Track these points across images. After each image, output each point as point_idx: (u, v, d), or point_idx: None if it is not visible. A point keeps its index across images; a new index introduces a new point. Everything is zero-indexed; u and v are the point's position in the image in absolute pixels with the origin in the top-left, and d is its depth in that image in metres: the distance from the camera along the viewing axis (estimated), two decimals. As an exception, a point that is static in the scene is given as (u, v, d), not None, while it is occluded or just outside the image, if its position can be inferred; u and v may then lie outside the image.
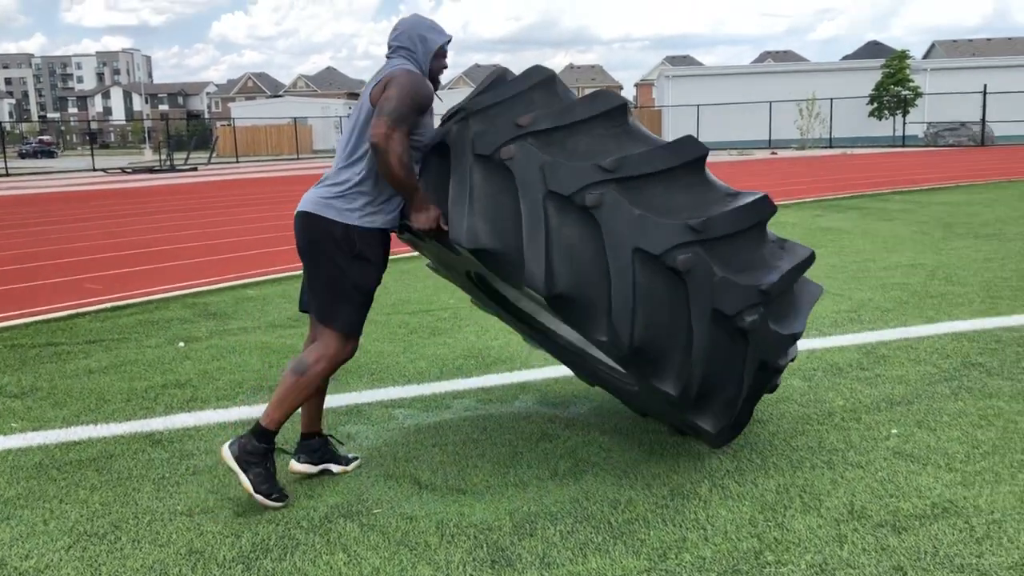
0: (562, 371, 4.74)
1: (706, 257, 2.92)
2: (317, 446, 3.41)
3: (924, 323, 5.58)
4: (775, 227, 10.90)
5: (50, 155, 64.88)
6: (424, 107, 3.07)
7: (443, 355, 5.14)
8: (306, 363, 3.13)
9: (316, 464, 3.40)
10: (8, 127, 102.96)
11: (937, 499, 3.02)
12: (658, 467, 3.39)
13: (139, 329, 6.08)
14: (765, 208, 3.08)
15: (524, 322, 3.98)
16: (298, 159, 41.77)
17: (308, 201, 3.14)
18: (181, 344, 5.61)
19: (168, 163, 32.27)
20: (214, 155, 39.82)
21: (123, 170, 30.95)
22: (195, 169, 31.03)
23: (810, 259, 3.20)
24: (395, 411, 4.18)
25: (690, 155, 3.07)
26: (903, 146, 35.38)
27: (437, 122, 3.34)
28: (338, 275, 3.11)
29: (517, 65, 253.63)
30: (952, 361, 4.70)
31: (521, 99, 3.15)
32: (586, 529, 2.89)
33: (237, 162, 39.15)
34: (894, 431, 3.71)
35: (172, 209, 15.87)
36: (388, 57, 3.23)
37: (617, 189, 2.94)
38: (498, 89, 3.18)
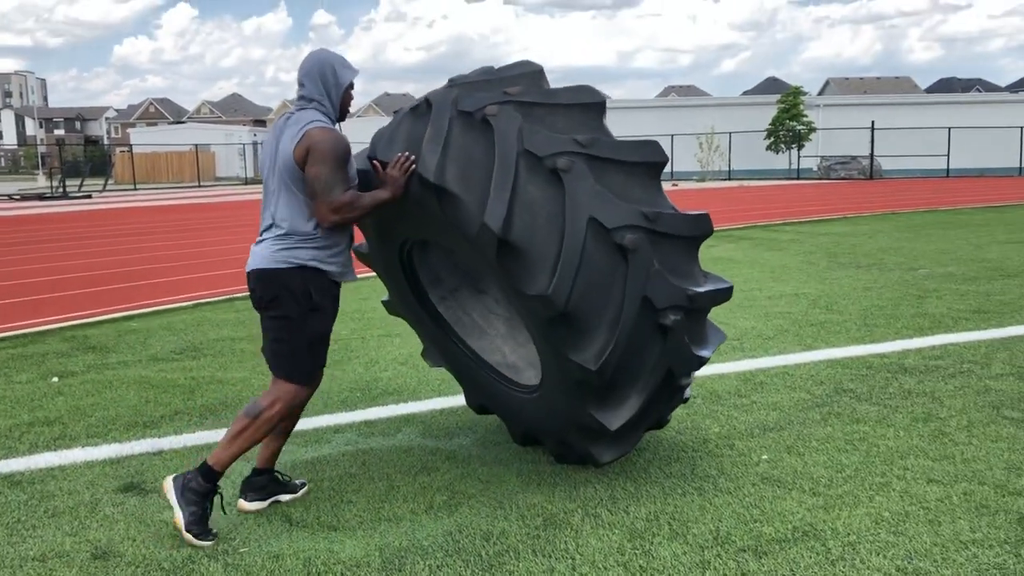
0: (449, 403, 4.73)
1: (650, 246, 3.10)
2: (265, 483, 3.41)
3: (802, 350, 5.78)
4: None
5: (-67, 180, 61.74)
6: (346, 160, 3.16)
7: (328, 388, 5.06)
8: (260, 407, 3.15)
9: (265, 499, 3.40)
10: None
11: (798, 523, 3.12)
12: (534, 497, 3.41)
13: (10, 363, 5.82)
14: (706, 225, 3.23)
15: (435, 320, 3.97)
16: (199, 187, 40.82)
17: (261, 257, 3.17)
18: (55, 379, 5.39)
19: (60, 190, 31.10)
20: (110, 182, 38.55)
21: (11, 197, 29.68)
22: (89, 196, 29.97)
23: (729, 291, 3.32)
24: (273, 446, 4.09)
25: (652, 158, 3.24)
26: (798, 178, 36.75)
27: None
28: (293, 328, 3.16)
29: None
30: (825, 388, 4.88)
31: (508, 82, 3.35)
32: (456, 563, 2.88)
33: (135, 189, 38.04)
34: (764, 457, 3.81)
35: (60, 238, 15.30)
36: (299, 98, 3.26)
37: (586, 162, 3.13)
38: (487, 72, 3.40)
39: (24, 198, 29.93)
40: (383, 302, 4.29)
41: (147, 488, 3.57)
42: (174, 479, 3.10)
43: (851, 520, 3.13)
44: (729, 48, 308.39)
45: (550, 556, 2.91)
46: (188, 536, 3.04)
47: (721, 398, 4.71)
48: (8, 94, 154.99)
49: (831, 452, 3.86)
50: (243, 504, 3.37)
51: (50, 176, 41.32)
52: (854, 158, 35.50)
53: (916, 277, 9.00)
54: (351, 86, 3.30)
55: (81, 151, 78.93)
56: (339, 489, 3.54)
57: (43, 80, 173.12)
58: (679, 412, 4.47)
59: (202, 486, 3.09)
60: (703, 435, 4.12)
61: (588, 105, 3.31)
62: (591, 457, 3.40)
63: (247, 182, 45.07)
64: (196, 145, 45.71)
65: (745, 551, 2.90)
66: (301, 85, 3.23)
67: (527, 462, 3.80)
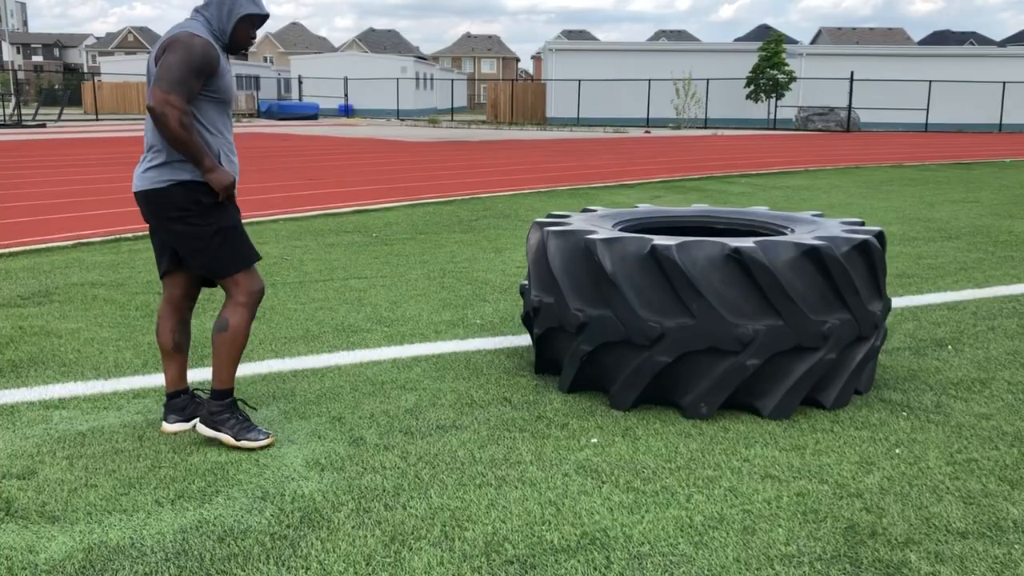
0: (282, 365, 4.27)
1: None
2: (184, 403, 3.46)
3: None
4: (620, 205, 10.66)
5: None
6: (205, 71, 3.06)
7: (151, 344, 4.58)
8: (226, 318, 3.22)
9: (187, 420, 3.45)
10: None
11: (591, 527, 2.68)
12: (308, 485, 2.96)
13: None
14: None
15: None
16: (166, 119, 39.71)
17: (140, 179, 3.18)
18: None
19: (15, 118, 30.13)
20: (68, 112, 37.34)
21: (-38, 124, 28.74)
22: (43, 126, 29.05)
23: None
24: (52, 412, 3.62)
25: None
26: (774, 129, 36.10)
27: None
28: (201, 232, 3.15)
29: (421, 32, 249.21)
30: (701, 358, 4.44)
31: None
32: (168, 569, 2.43)
33: (96, 120, 36.98)
34: (593, 440, 3.38)
35: (-15, 168, 14.60)
36: (194, 9, 3.21)
37: None
38: None
39: (-23, 125, 28.98)
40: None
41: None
42: (200, 420, 3.26)
43: (654, 525, 2.70)
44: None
45: (281, 564, 2.46)
46: (245, 443, 3.19)
47: (581, 368, 4.26)
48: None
49: (670, 437, 3.42)
50: (165, 426, 3.43)
51: (24, 104, 39.95)
52: (832, 110, 34.85)
53: (852, 236, 8.55)
54: (248, 22, 3.18)
55: (59, 79, 76.59)
56: (92, 469, 3.08)
57: (23, 3, 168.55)
58: (525, 382, 4.02)
59: (220, 404, 3.24)
60: (541, 411, 3.68)
61: None
62: None
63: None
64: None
65: (513, 563, 2.47)
66: (205, 3, 3.18)
67: (328, 441, 3.35)
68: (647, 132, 31.90)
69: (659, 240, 3.59)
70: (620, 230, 4.18)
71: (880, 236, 3.91)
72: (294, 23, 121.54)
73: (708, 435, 3.45)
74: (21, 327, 4.90)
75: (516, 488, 2.95)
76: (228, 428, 3.22)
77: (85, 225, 8.57)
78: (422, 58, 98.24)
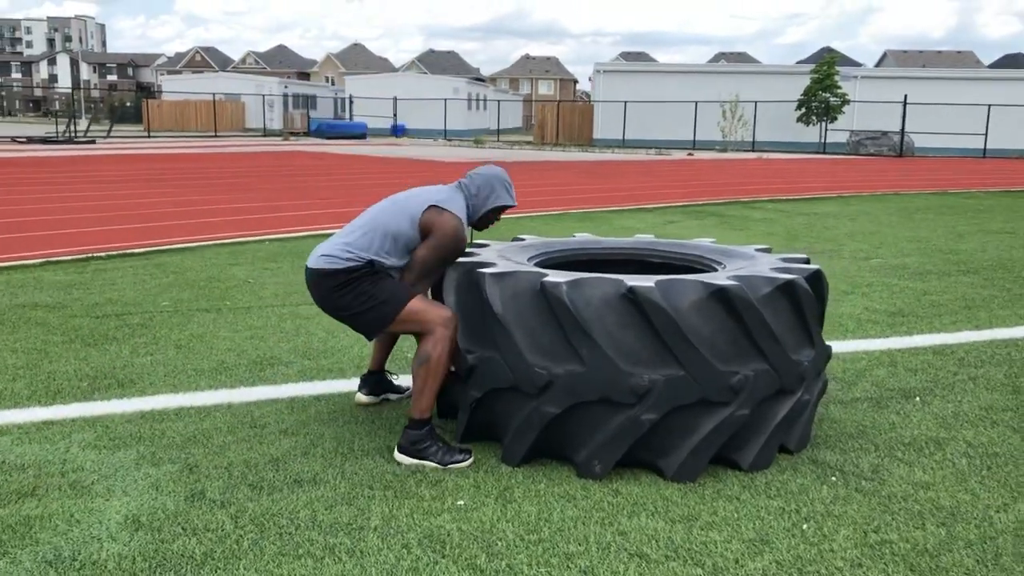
0: (170, 402, 3.97)
1: None
2: (376, 380, 3.95)
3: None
4: (624, 231, 10.25)
5: (-20, 121, 61.94)
6: (450, 262, 3.50)
7: (65, 371, 4.33)
8: (427, 351, 3.29)
9: (377, 395, 3.97)
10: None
11: (399, 615, 2.30)
12: (105, 551, 2.63)
13: None
14: None
15: None
16: (215, 136, 40.34)
17: (317, 258, 3.44)
18: None
19: (68, 134, 30.79)
20: (113, 128, 38.06)
21: (14, 139, 29.43)
22: (93, 141, 29.61)
23: None
24: None
25: None
26: (823, 153, 35.17)
27: None
28: (374, 290, 3.36)
29: (486, 54, 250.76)
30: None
31: None
32: None
33: (148, 136, 37.66)
34: (460, 502, 2.99)
35: (5, 183, 14.74)
36: (459, 183, 3.58)
37: None
38: None
39: (30, 140, 29.69)
40: None
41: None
42: (398, 450, 3.34)
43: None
44: (797, 16, 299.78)
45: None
46: (453, 467, 3.28)
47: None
48: (68, 38, 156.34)
49: (550, 500, 3.02)
50: (359, 397, 3.96)
51: (96, 120, 40.77)
52: (884, 134, 33.82)
53: (861, 268, 8.02)
54: (495, 212, 3.60)
55: (131, 97, 78.88)
56: None
57: (102, 25, 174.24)
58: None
59: (419, 434, 3.31)
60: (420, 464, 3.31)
61: None
62: None
63: (265, 134, 44.56)
64: (214, 94, 45.23)
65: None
66: (470, 177, 3.57)
67: (164, 494, 3.02)
68: (689, 154, 31.34)
69: (551, 276, 3.21)
70: (536, 264, 3.80)
71: (814, 276, 3.46)
72: (356, 44, 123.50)
73: (593, 500, 3.04)
74: (-69, 351, 4.70)
75: (339, 561, 2.59)
76: (431, 455, 3.29)
77: (58, 243, 8.45)
78: (479, 79, 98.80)
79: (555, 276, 3.20)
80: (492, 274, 3.28)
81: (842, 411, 4.02)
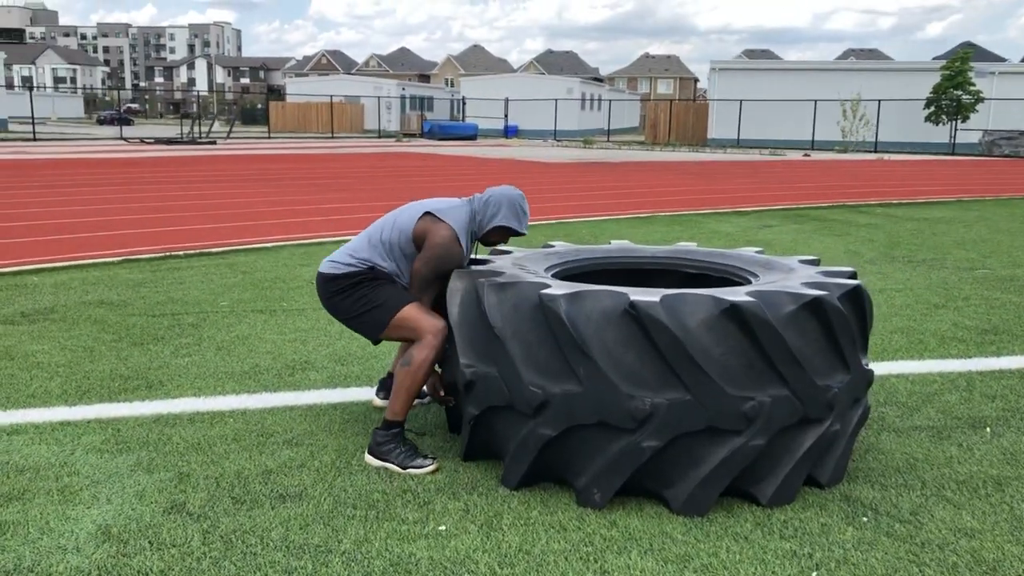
0: (188, 406, 3.94)
1: None
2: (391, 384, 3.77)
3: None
4: (712, 236, 9.86)
5: (127, 122, 65.43)
6: (445, 273, 3.38)
7: (101, 371, 4.38)
8: (412, 355, 3.27)
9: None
10: (99, 94, 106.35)
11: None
12: (63, 565, 2.57)
13: None
14: None
15: None
16: (332, 137, 41.40)
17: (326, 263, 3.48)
18: None
19: (191, 135, 32.17)
20: (233, 130, 39.46)
21: (142, 140, 30.94)
22: (214, 143, 30.83)
23: None
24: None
25: None
26: (952, 154, 33.25)
27: None
28: (374, 292, 3.35)
29: (609, 53, 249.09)
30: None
31: None
32: None
33: (268, 138, 38.99)
34: (442, 527, 2.81)
35: (106, 182, 15.43)
36: (472, 197, 3.49)
37: None
38: None
39: (157, 141, 31.17)
40: None
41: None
42: (368, 450, 3.31)
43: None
44: (939, 11, 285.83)
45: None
46: (411, 471, 3.22)
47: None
48: (206, 44, 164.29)
49: (537, 530, 2.81)
50: (376, 400, 3.95)
51: (228, 121, 42.50)
52: (1022, 133, 31.71)
53: (962, 279, 7.42)
54: (499, 231, 3.44)
55: (263, 99, 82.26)
56: None
57: (238, 31, 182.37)
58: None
59: (387, 434, 3.28)
60: (413, 483, 3.15)
61: None
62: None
63: (380, 135, 45.46)
64: (332, 96, 46.41)
65: None
66: (484, 193, 3.48)
67: (145, 504, 2.96)
68: (806, 155, 30.18)
69: (550, 288, 2.99)
70: (555, 274, 3.59)
71: (852, 293, 3.12)
72: (475, 46, 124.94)
73: (585, 532, 2.81)
74: (-13, 347, 4.85)
75: None
76: (394, 457, 3.26)
77: (141, 242, 8.69)
78: (596, 79, 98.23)
79: (554, 288, 2.99)
80: (493, 284, 3.09)
81: (894, 441, 3.64)
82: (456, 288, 3.30)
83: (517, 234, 3.47)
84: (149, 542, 2.69)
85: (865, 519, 2.93)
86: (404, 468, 3.24)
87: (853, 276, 3.34)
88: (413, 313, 3.31)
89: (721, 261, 3.78)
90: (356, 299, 3.37)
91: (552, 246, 3.97)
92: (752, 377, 2.87)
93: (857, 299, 3.14)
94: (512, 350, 3.00)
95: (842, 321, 3.00)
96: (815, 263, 3.64)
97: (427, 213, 3.37)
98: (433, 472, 3.24)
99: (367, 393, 4.15)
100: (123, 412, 3.85)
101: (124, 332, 5.22)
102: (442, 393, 3.46)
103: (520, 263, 3.50)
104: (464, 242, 3.36)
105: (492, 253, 3.82)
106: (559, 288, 2.98)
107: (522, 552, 2.67)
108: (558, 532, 2.81)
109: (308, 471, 3.25)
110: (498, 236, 3.47)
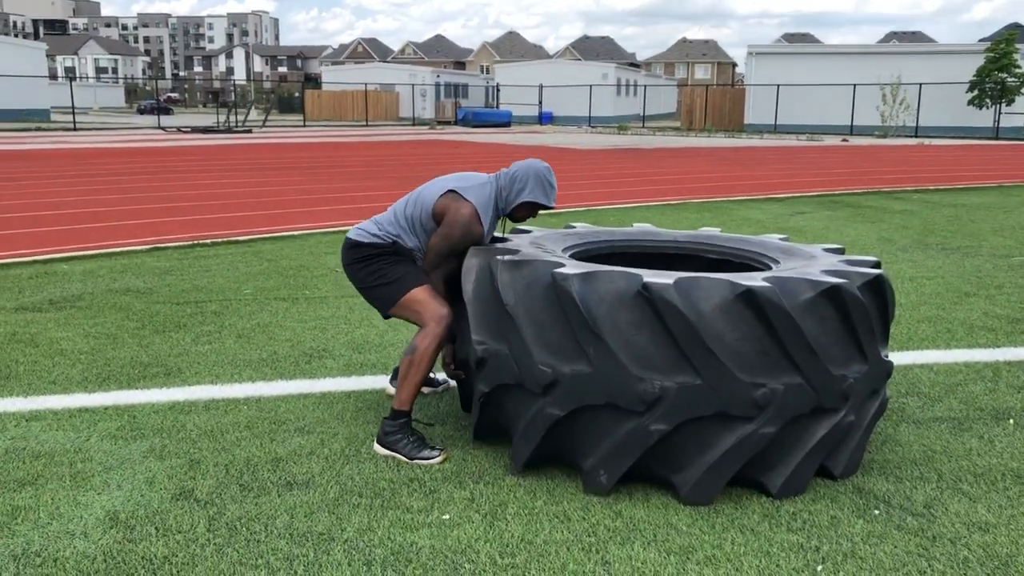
0: (205, 393, 3.98)
1: None
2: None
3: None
4: (743, 223, 9.75)
5: (167, 112, 66.30)
6: (461, 250, 3.36)
7: (122, 358, 4.44)
8: (414, 344, 3.29)
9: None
10: (140, 84, 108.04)
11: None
12: (68, 550, 2.61)
13: None
14: None
15: None
16: (367, 125, 41.57)
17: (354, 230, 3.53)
18: None
19: (227, 124, 32.48)
20: (268, 118, 39.74)
21: (179, 129, 31.30)
22: (249, 131, 31.10)
23: None
24: (-67, 432, 3.50)
25: None
26: (996, 138, 32.54)
27: None
28: (388, 268, 3.40)
29: (647, 38, 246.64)
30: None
31: None
32: None
33: (304, 126, 39.25)
34: (446, 516, 2.81)
35: (141, 171, 15.63)
36: (497, 174, 3.46)
37: None
38: None
39: (194, 131, 31.52)
40: None
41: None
42: (376, 440, 3.34)
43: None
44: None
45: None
46: (419, 462, 3.22)
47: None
48: (245, 32, 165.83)
49: (542, 520, 2.79)
50: (388, 388, 3.97)
51: (266, 110, 42.83)
52: (1068, 117, 30.92)
53: (997, 267, 7.27)
54: (530, 206, 3.40)
55: (299, 87, 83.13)
56: None
57: (276, 20, 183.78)
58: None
59: (394, 424, 3.30)
60: (421, 472, 3.15)
61: None
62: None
63: (415, 123, 45.54)
64: (366, 84, 46.55)
65: None
66: (509, 168, 3.43)
67: (155, 490, 2.99)
68: (844, 140, 29.72)
69: (563, 268, 2.97)
70: (572, 255, 3.55)
71: (874, 282, 3.05)
72: (511, 32, 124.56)
73: (589, 522, 2.79)
74: (14, 333, 4.93)
75: (292, 575, 2.46)
76: (401, 447, 3.27)
77: (170, 230, 8.79)
78: (633, 64, 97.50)
79: (568, 268, 2.96)
80: (507, 261, 3.08)
81: (913, 432, 3.57)
82: (471, 265, 3.28)
83: (546, 208, 3.43)
84: (155, 528, 2.72)
85: (877, 512, 2.87)
86: (411, 458, 3.24)
87: (877, 265, 3.27)
88: (421, 296, 3.33)
89: (743, 247, 3.72)
90: (373, 271, 3.42)
91: (573, 227, 3.94)
92: (765, 364, 2.83)
93: (878, 289, 3.08)
94: (524, 328, 2.99)
95: (861, 310, 2.94)
96: (840, 251, 3.57)
97: (450, 191, 3.36)
98: (441, 462, 3.24)
99: (382, 381, 4.16)
100: (140, 399, 3.90)
101: (148, 319, 5.28)
102: (453, 367, 3.45)
103: (538, 242, 3.48)
104: (485, 220, 3.35)
105: (512, 232, 3.80)
106: (572, 267, 2.96)
107: (524, 542, 2.66)
108: (562, 522, 2.79)
109: (317, 459, 3.26)
110: (526, 211, 3.44)
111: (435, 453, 3.26)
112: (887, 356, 3.19)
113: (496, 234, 3.64)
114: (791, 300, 2.83)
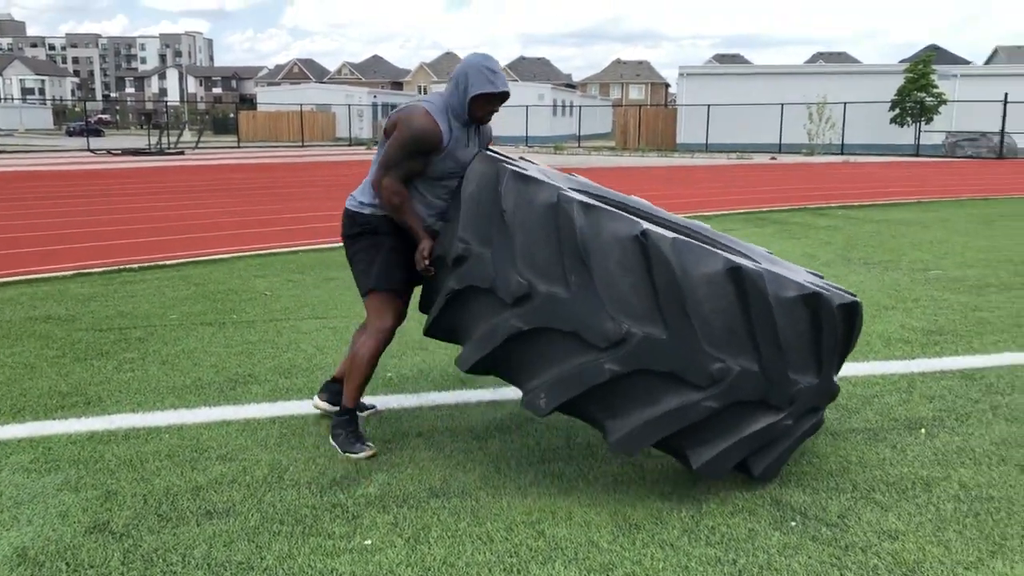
0: (125, 422, 3.89)
1: None
2: (338, 389, 3.83)
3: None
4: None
5: (97, 133, 64.68)
6: (421, 151, 3.26)
7: (40, 389, 4.31)
8: (356, 349, 3.51)
9: (334, 404, 3.84)
10: (69, 105, 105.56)
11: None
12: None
13: None
14: None
15: None
16: (303, 146, 41.23)
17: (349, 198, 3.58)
18: None
19: (158, 146, 31.91)
20: (201, 139, 39.22)
21: (109, 151, 30.64)
22: (182, 153, 30.59)
23: None
24: None
25: None
26: (917, 156, 33.66)
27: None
28: (368, 252, 3.47)
29: (583, 59, 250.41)
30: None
31: None
32: None
33: (237, 147, 38.75)
34: (367, 541, 2.79)
35: (67, 195, 15.27)
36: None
37: None
38: None
39: (124, 152, 30.88)
40: None
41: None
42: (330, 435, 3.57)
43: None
44: (906, 14, 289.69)
45: None
46: (349, 455, 3.45)
47: (444, 440, 3.66)
48: (178, 53, 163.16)
49: (464, 542, 2.80)
50: (316, 400, 3.97)
51: (199, 132, 42.17)
52: (984, 135, 32.18)
53: (914, 281, 7.50)
54: (483, 99, 3.27)
55: (234, 109, 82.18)
56: None
57: (210, 40, 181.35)
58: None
59: (340, 419, 3.55)
60: (344, 496, 3.13)
61: None
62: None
63: (352, 143, 45.33)
64: (301, 105, 46.22)
65: None
66: (452, 73, 3.33)
67: (68, 524, 2.91)
68: (772, 159, 30.44)
69: (570, 193, 3.01)
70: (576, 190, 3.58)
71: (849, 308, 3.16)
72: (448, 53, 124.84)
73: (512, 543, 2.80)
74: (-75, 365, 4.76)
75: None
76: (339, 442, 3.51)
77: (95, 255, 8.60)
78: (569, 85, 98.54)
79: (575, 195, 3.00)
80: (516, 173, 3.10)
81: (830, 444, 3.66)
82: (477, 170, 3.27)
83: (499, 96, 3.29)
84: (66, 564, 2.66)
85: (793, 523, 2.94)
86: (344, 452, 3.48)
87: (853, 296, 3.38)
88: (376, 302, 3.49)
89: (736, 248, 3.84)
90: (356, 251, 3.53)
91: (576, 176, 3.98)
92: (731, 342, 2.89)
93: (851, 313, 3.18)
94: (514, 237, 3.01)
95: (832, 325, 3.03)
96: (820, 277, 3.69)
97: (399, 109, 3.38)
98: (368, 458, 3.45)
99: (307, 407, 4.12)
100: (57, 429, 3.80)
101: (68, 347, 5.15)
102: (428, 263, 3.34)
103: (546, 173, 3.51)
104: (442, 123, 3.27)
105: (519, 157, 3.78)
106: (579, 196, 3.02)
107: (446, 565, 2.66)
108: (484, 543, 2.80)
109: (238, 487, 3.22)
110: (481, 107, 3.30)
111: (364, 448, 3.48)
112: (835, 380, 3.27)
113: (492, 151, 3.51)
114: (774, 291, 2.91)
